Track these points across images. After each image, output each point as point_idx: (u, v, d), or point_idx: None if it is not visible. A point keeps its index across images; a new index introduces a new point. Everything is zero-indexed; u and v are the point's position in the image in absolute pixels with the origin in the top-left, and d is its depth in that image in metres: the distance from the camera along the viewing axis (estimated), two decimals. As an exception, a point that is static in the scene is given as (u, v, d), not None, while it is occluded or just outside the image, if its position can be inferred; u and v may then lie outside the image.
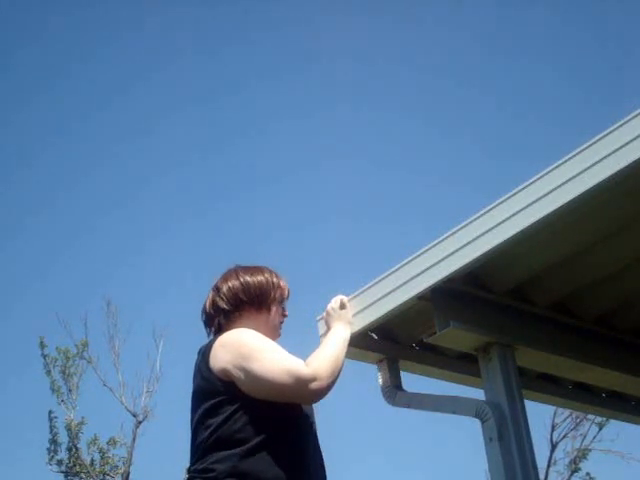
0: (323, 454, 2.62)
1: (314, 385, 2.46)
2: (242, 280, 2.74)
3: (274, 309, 2.75)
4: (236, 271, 2.79)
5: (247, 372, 2.46)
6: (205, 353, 2.58)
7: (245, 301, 2.71)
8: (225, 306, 2.71)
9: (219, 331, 2.71)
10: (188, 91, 22.11)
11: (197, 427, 2.52)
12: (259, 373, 2.45)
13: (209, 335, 2.75)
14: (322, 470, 2.58)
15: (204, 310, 2.77)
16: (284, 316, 2.81)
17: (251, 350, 2.50)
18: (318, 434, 2.64)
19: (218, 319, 2.72)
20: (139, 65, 22.00)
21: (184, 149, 22.59)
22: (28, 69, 21.26)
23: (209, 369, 2.53)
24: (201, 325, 2.80)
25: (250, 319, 2.70)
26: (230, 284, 2.74)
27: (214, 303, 2.74)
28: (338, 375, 2.57)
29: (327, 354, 2.59)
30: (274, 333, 2.72)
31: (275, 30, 22.47)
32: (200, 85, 22.81)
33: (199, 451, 2.48)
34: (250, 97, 22.18)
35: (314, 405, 2.65)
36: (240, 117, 22.25)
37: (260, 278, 2.76)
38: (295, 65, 22.85)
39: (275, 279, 2.78)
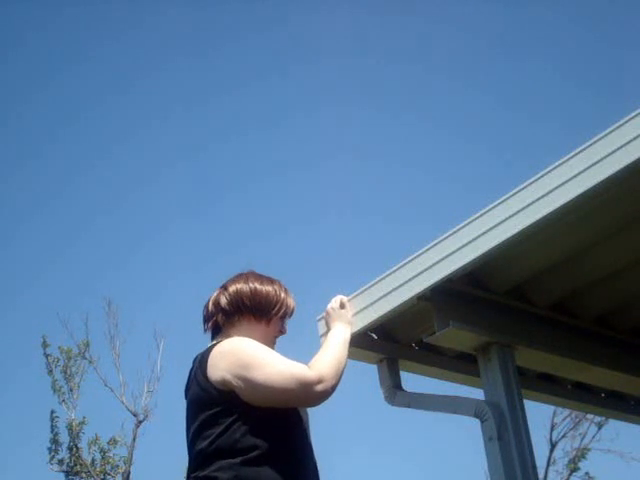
0: (316, 458, 2.62)
1: (320, 387, 2.46)
2: (251, 286, 2.71)
3: (273, 323, 2.72)
4: (247, 276, 2.76)
5: (248, 381, 2.43)
6: (202, 362, 2.54)
7: (248, 307, 2.68)
8: (227, 306, 2.68)
9: (216, 331, 2.70)
10: (186, 91, 22.12)
11: (195, 437, 2.50)
12: (262, 381, 2.43)
13: (205, 331, 2.73)
14: (317, 477, 2.57)
15: (206, 306, 2.75)
16: (281, 332, 2.76)
17: (251, 358, 2.47)
18: (312, 441, 2.63)
19: (217, 318, 2.70)
20: (132, 65, 22.03)
21: (184, 148, 22.60)
22: (21, 68, 21.28)
23: (206, 378, 2.49)
24: (201, 326, 2.77)
25: (247, 326, 2.67)
26: (238, 286, 2.71)
27: (217, 301, 2.71)
28: (341, 376, 2.57)
29: (330, 356, 2.59)
30: (268, 346, 2.64)
31: (276, 28, 22.49)
32: (196, 85, 22.82)
33: (199, 458, 2.46)
34: (247, 96, 22.21)
35: (311, 410, 2.65)
36: (238, 116, 22.26)
37: (269, 288, 2.72)
38: (291, 65, 22.85)
39: (283, 294, 2.74)
